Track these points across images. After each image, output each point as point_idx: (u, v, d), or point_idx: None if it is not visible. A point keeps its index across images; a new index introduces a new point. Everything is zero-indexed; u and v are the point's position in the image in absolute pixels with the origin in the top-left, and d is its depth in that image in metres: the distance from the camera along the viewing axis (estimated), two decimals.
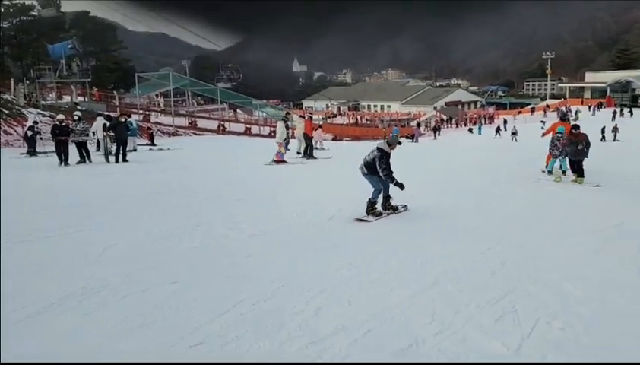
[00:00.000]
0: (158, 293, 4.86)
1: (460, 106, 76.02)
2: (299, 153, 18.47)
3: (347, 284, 5.16)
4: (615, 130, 29.38)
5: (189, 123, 38.61)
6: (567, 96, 78.28)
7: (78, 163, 15.90)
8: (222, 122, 40.38)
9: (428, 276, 5.35)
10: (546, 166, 13.27)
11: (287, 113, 27.76)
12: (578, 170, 11.93)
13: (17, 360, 3.60)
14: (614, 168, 14.94)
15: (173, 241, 6.79)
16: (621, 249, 6.53)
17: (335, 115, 73.26)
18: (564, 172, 12.79)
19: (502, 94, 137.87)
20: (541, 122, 42.23)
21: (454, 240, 6.89)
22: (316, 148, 20.78)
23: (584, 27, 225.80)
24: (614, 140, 28.13)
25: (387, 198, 8.35)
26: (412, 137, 36.27)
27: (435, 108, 71.02)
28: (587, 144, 11.81)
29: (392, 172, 7.96)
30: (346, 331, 4.06)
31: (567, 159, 12.94)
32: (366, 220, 7.96)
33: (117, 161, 16.57)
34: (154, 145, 25.02)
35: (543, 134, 14.73)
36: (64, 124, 16.22)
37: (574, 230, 7.56)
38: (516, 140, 31.99)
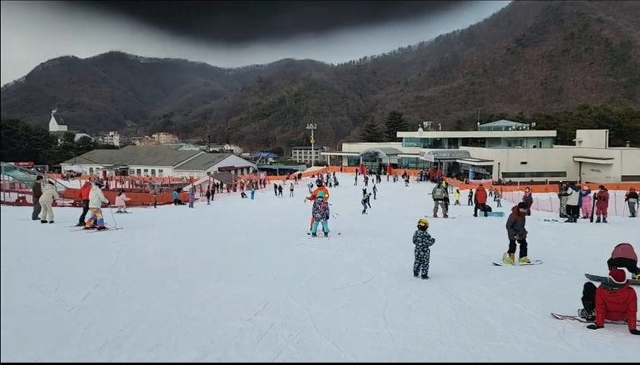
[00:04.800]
0: None
1: (233, 171, 77.47)
2: (43, 221, 15.96)
3: None
4: (374, 191, 36.64)
5: None
6: (329, 163, 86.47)
7: None
8: None
9: (192, 349, 5.14)
10: (311, 229, 13.86)
11: (39, 177, 24.02)
12: (522, 249, 10.49)
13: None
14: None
15: None
16: (370, 302, 7.12)
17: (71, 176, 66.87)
18: (326, 234, 13.59)
19: (273, 160, 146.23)
20: (309, 185, 45.42)
21: (218, 307, 6.73)
22: (120, 212, 21.84)
23: (339, 103, 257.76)
24: (374, 198, 34.46)
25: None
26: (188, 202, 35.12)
27: (208, 173, 70.95)
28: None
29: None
30: None
31: (327, 222, 13.53)
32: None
33: None
34: None
35: (308, 199, 15.06)
36: None
37: (326, 287, 7.98)
38: (292, 195, 42.11)
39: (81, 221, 15.30)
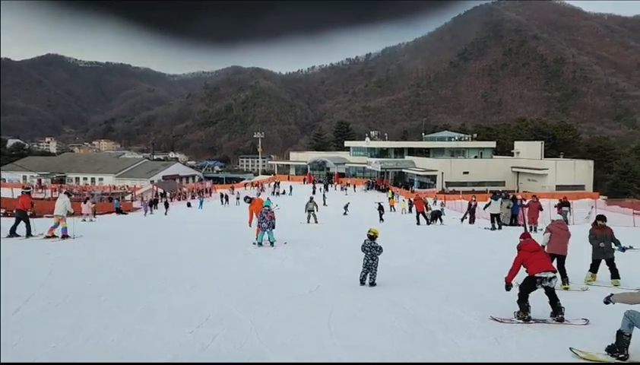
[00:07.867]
0: None
1: (178, 180, 75.78)
2: None
3: None
4: (324, 198, 38.81)
5: None
6: (276, 172, 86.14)
7: None
8: None
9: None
10: (256, 238, 13.61)
11: None
12: (611, 270, 9.29)
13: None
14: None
15: None
16: (315, 311, 7.08)
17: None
18: (272, 244, 13.38)
19: (219, 169, 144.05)
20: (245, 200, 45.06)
21: (159, 320, 6.54)
22: (84, 220, 21.62)
23: (287, 112, 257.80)
24: (324, 204, 35.67)
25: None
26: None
27: (152, 181, 69.09)
28: (615, 241, 9.48)
29: None
30: None
31: (273, 231, 13.34)
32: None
33: None
34: None
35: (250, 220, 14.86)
36: None
37: (271, 298, 7.88)
38: (238, 204, 40.80)
39: (12, 232, 14.52)
